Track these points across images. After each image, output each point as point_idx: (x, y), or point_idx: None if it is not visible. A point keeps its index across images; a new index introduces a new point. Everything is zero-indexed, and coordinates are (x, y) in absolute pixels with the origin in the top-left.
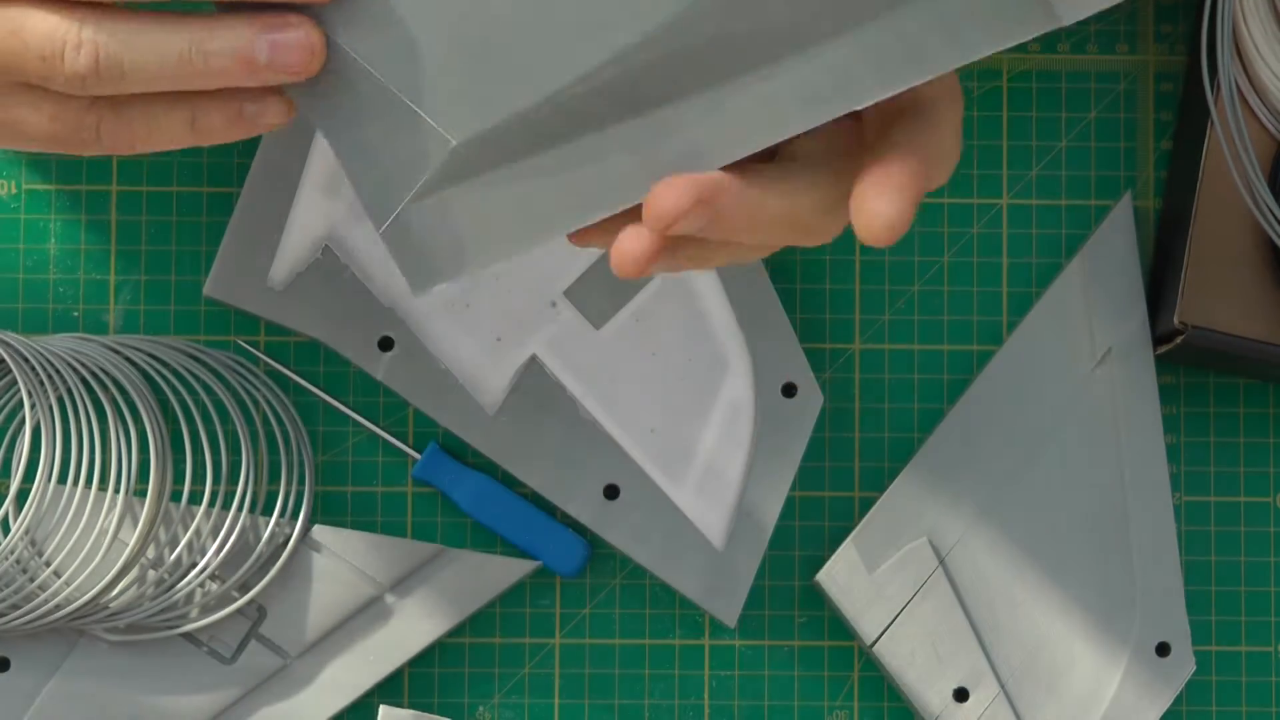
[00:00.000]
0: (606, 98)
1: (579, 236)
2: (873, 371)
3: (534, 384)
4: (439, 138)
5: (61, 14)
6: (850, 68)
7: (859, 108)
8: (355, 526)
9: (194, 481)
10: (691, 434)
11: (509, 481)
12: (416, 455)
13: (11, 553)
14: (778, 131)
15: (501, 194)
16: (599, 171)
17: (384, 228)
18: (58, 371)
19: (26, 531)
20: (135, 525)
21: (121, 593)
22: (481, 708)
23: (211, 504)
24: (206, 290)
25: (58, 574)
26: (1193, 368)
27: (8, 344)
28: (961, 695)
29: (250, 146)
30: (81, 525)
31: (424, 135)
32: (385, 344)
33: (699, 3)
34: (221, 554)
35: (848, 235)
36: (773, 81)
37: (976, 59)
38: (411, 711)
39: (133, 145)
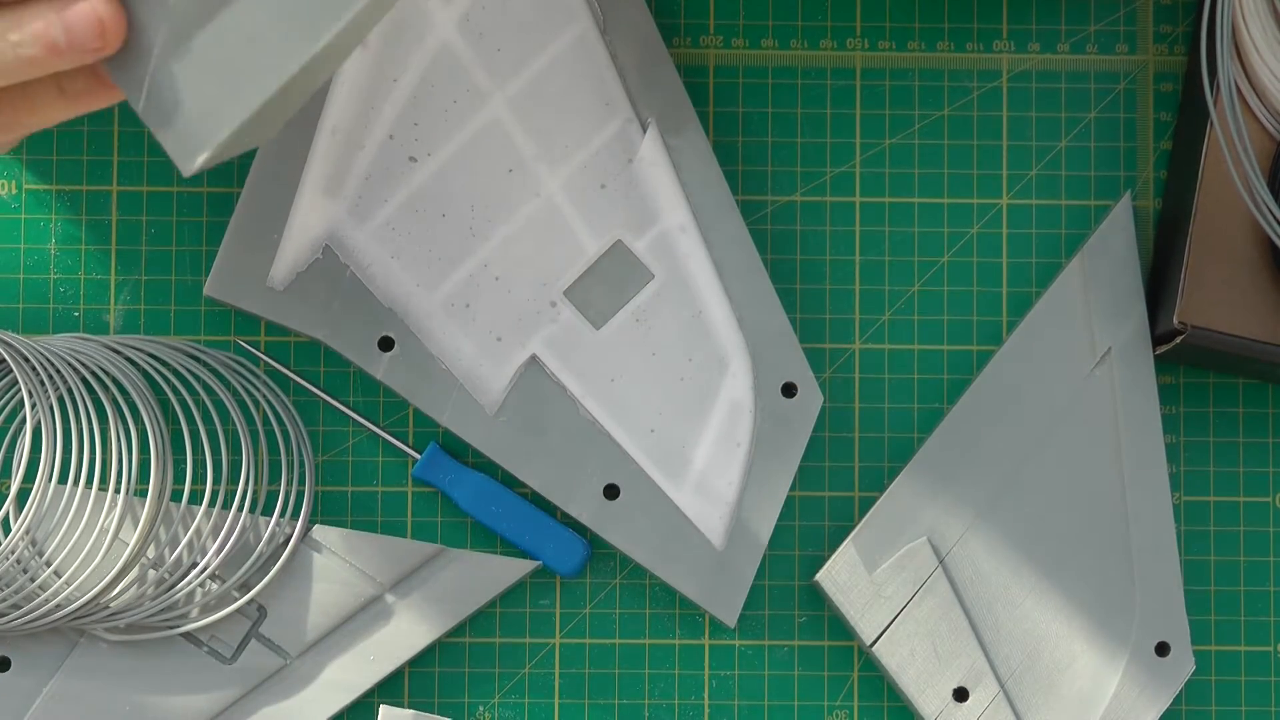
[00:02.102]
0: None
1: None
2: (873, 371)
3: (534, 384)
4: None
5: None
6: None
7: None
8: (355, 526)
9: (194, 481)
10: (691, 434)
11: (509, 481)
12: (416, 455)
13: (12, 553)
14: None
15: (229, 39)
16: None
17: (140, 104)
18: (58, 371)
19: (27, 531)
20: (135, 525)
21: (121, 593)
22: (481, 708)
23: (211, 504)
24: (206, 290)
25: (58, 574)
26: (1193, 368)
27: (8, 344)
28: (961, 695)
29: None
30: (81, 525)
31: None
32: (385, 344)
33: None
34: (221, 554)
35: (848, 236)
36: None
37: None
38: (411, 711)
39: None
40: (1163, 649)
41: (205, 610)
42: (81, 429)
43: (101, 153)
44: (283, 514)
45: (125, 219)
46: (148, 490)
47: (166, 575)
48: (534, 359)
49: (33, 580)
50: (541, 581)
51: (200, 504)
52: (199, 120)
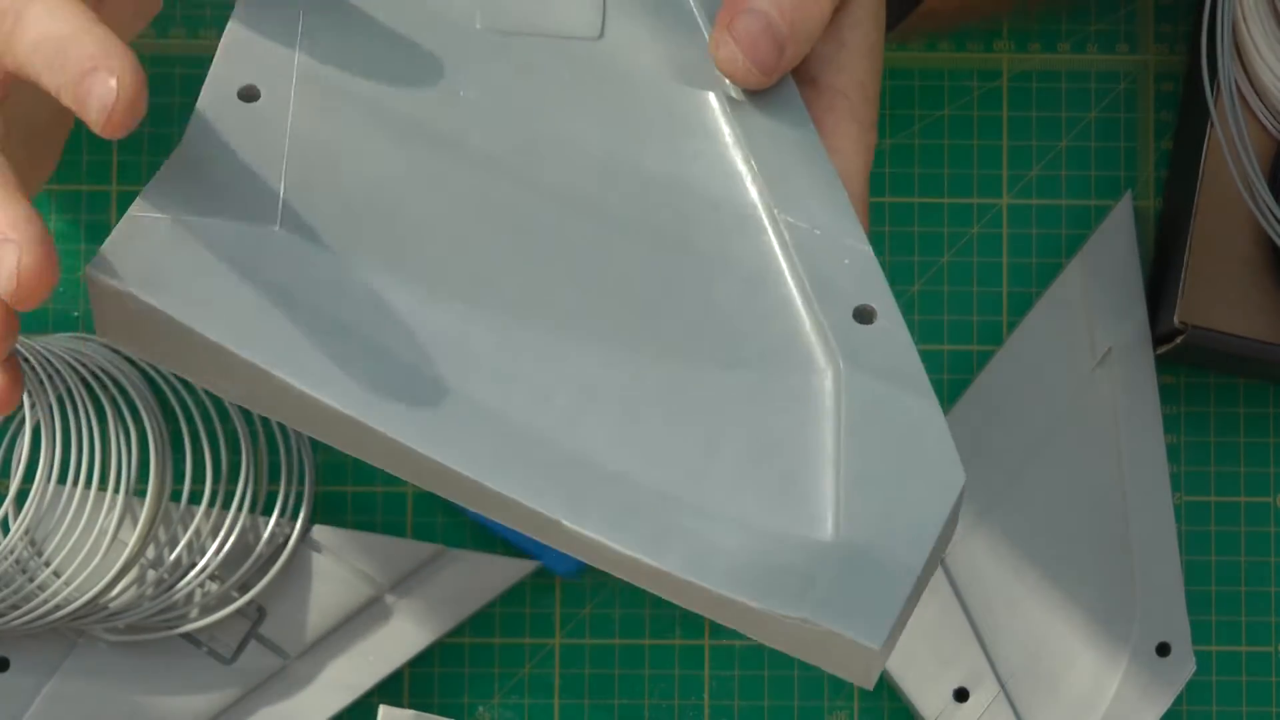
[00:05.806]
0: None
1: None
2: None
3: None
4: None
5: None
6: None
7: None
8: (355, 526)
9: (194, 481)
10: None
11: None
12: None
13: (11, 553)
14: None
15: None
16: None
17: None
18: (58, 371)
19: (26, 532)
20: (135, 525)
21: (121, 593)
22: (481, 708)
23: (211, 504)
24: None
25: (57, 574)
26: (1193, 368)
27: None
28: (961, 695)
29: None
30: (81, 525)
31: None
32: None
33: None
34: (221, 554)
35: None
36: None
37: None
38: (411, 711)
39: None
40: (1164, 649)
41: (205, 611)
42: (81, 429)
43: (100, 153)
44: (282, 514)
45: None
46: (148, 490)
47: (166, 575)
48: None
49: (32, 580)
50: (541, 582)
51: (200, 504)
52: None
